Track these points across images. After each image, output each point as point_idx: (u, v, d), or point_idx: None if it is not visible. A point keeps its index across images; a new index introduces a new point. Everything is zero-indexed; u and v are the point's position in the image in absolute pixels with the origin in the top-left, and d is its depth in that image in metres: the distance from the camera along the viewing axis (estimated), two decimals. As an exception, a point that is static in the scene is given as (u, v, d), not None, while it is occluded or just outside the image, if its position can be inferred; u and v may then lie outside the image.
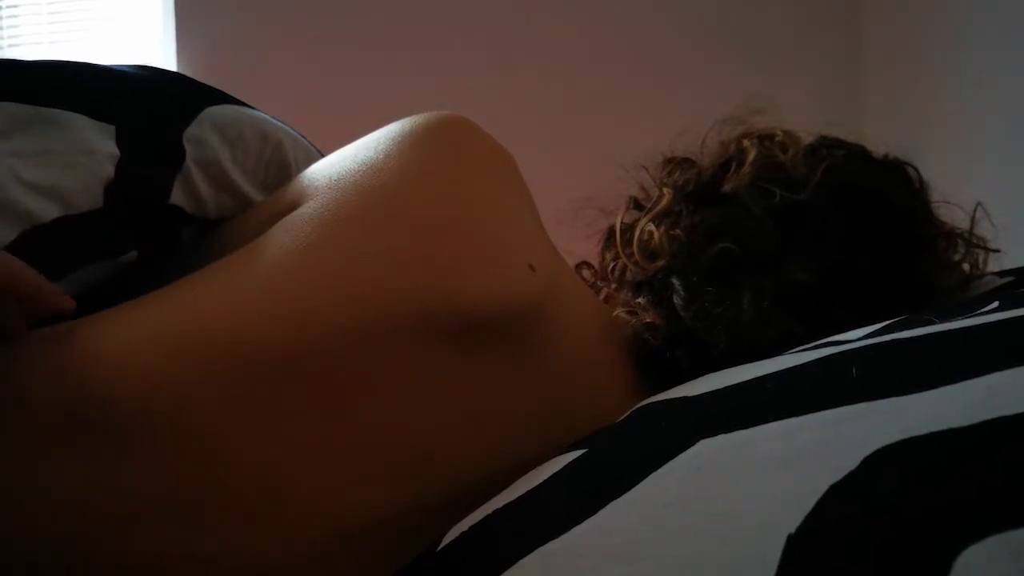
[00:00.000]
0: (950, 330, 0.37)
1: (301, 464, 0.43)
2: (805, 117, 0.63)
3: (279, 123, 0.61)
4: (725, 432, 0.34)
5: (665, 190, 0.62)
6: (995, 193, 0.69)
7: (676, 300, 0.55)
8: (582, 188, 0.65)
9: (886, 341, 0.38)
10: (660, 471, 0.34)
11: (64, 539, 0.40)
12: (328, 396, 0.44)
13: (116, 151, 0.49)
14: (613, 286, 0.62)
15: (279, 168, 0.59)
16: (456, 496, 0.45)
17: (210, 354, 0.43)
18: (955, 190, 0.65)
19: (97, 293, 0.49)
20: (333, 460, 0.43)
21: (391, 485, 0.44)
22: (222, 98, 0.57)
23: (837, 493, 0.27)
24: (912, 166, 0.64)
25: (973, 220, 0.64)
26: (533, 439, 0.47)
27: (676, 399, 0.43)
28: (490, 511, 0.41)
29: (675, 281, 0.56)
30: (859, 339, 0.41)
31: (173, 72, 0.61)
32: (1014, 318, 0.37)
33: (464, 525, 0.41)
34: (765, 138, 0.63)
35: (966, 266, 0.64)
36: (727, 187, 0.59)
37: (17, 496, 0.40)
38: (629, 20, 2.12)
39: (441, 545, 0.41)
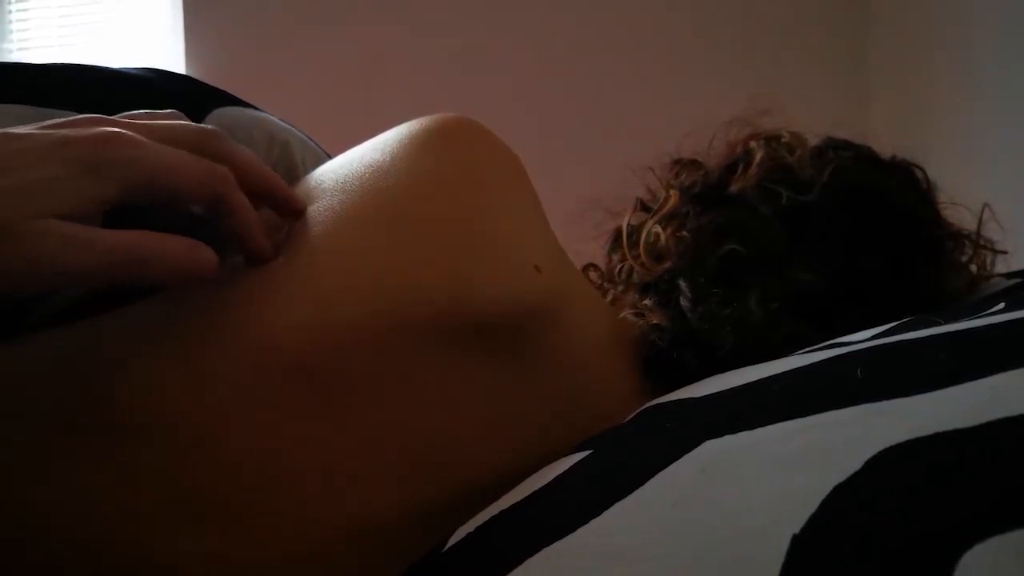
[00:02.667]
0: (956, 331, 0.37)
1: (308, 465, 0.43)
2: (810, 118, 0.63)
3: (286, 125, 0.61)
4: (730, 433, 0.34)
5: (672, 191, 0.62)
6: (1002, 194, 0.69)
7: (683, 302, 0.55)
8: (589, 189, 0.65)
9: (892, 342, 0.38)
10: (665, 472, 0.34)
11: (65, 540, 0.40)
12: (335, 398, 0.44)
13: (125, 153, 0.50)
14: (620, 288, 0.62)
15: (286, 170, 0.59)
16: (463, 498, 0.45)
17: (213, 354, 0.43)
18: (962, 191, 0.65)
19: (106, 293, 0.49)
20: (340, 461, 0.43)
21: (399, 487, 0.44)
22: (229, 100, 0.58)
23: (842, 493, 0.27)
24: (919, 167, 0.64)
25: (980, 221, 0.64)
26: (539, 440, 0.47)
27: (682, 400, 0.43)
28: (496, 512, 0.41)
29: (681, 283, 0.56)
30: (865, 340, 0.41)
31: (181, 74, 0.61)
32: (1020, 319, 0.37)
33: (470, 526, 0.41)
34: (772, 139, 0.63)
35: (973, 268, 0.64)
36: (734, 188, 0.59)
37: (29, 498, 0.40)
38: (636, 22, 2.12)
39: (447, 546, 0.41)
